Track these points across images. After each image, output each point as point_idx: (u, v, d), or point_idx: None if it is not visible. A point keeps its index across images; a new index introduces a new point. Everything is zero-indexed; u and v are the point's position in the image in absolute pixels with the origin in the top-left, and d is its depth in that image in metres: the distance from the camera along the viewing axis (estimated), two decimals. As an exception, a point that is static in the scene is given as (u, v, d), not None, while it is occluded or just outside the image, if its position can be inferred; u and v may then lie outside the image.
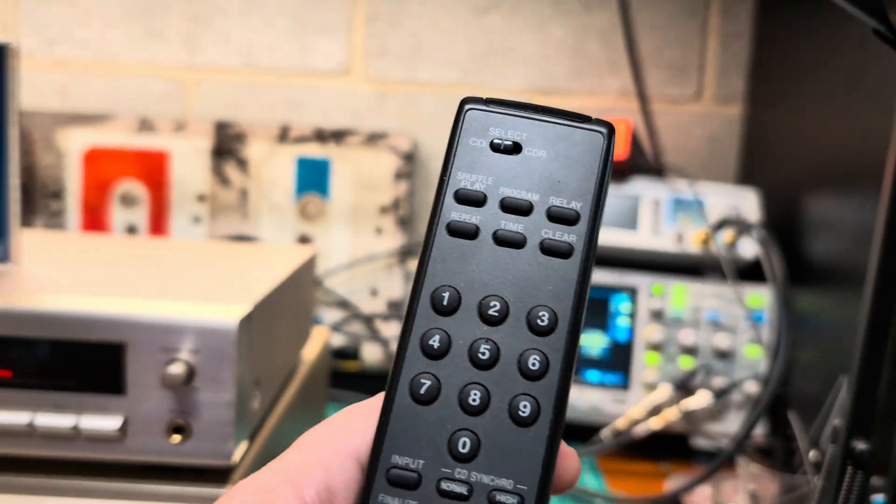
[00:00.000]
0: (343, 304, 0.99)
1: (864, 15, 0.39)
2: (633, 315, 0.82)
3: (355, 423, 0.26)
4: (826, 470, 0.46)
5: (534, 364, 0.25)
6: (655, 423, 0.78)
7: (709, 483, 0.72)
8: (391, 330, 0.98)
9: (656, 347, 0.81)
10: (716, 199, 0.84)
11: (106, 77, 1.00)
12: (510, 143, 0.27)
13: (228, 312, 0.46)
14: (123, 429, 0.46)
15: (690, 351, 0.81)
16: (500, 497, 0.24)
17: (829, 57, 0.78)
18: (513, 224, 0.26)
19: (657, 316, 0.82)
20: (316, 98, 1.00)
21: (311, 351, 0.73)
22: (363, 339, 0.97)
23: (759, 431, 0.79)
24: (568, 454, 0.26)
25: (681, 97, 1.01)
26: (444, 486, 0.24)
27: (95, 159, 0.97)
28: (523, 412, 0.25)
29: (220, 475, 0.47)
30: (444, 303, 0.26)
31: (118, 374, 0.45)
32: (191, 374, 0.45)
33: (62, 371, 0.46)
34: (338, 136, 0.98)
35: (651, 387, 0.81)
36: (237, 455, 0.47)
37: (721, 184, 0.90)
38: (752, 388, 0.79)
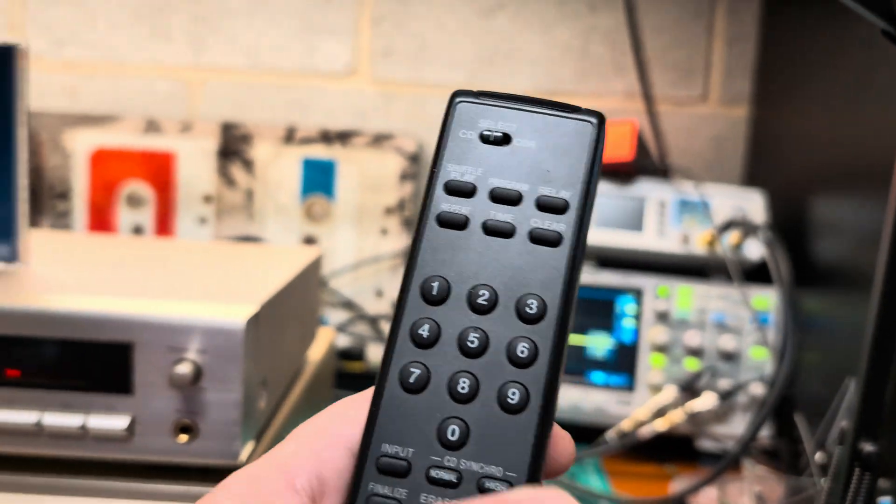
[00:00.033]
0: (348, 304, 0.99)
1: (872, 16, 0.39)
2: (638, 316, 0.82)
3: (348, 413, 0.26)
4: (833, 471, 0.46)
5: (522, 352, 0.25)
6: (661, 425, 0.78)
7: (714, 485, 0.72)
8: (396, 331, 0.98)
9: (662, 349, 0.81)
10: (722, 200, 0.84)
11: (112, 78, 1.00)
12: (499, 134, 0.27)
13: (236, 313, 0.47)
14: (131, 428, 0.46)
15: (696, 352, 0.81)
16: (490, 484, 0.24)
17: (836, 58, 0.77)
18: (502, 214, 0.26)
19: (662, 317, 0.81)
20: (322, 99, 1.01)
21: (316, 351, 0.73)
22: (368, 340, 0.97)
23: (765, 433, 0.79)
24: (562, 437, 0.26)
25: (686, 99, 1.01)
26: (434, 473, 0.24)
27: (102, 160, 0.97)
28: (512, 399, 0.25)
29: (227, 475, 0.47)
30: (434, 292, 0.26)
31: (126, 373, 0.46)
32: (198, 373, 0.46)
33: (70, 371, 0.46)
34: (343, 137, 0.98)
35: (656, 388, 0.81)
36: (244, 455, 0.47)
37: (727, 185, 0.89)
38: (757, 389, 0.79)
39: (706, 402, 0.79)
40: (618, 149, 0.82)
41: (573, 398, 0.81)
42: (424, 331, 0.25)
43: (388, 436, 0.25)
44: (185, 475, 0.47)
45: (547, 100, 0.27)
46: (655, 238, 0.83)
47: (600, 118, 0.27)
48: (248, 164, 0.98)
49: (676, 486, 0.74)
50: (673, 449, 0.80)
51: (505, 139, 0.27)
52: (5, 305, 0.46)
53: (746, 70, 1.01)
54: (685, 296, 0.82)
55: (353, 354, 0.93)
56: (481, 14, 1.00)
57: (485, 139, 0.27)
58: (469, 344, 0.25)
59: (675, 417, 0.78)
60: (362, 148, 0.98)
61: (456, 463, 0.24)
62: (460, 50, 1.00)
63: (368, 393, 0.26)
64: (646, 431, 0.78)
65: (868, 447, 0.43)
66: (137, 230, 0.98)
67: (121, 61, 1.00)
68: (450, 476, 0.24)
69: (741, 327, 0.81)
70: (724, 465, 0.72)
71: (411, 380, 0.25)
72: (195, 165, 0.98)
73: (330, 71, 1.00)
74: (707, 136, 1.02)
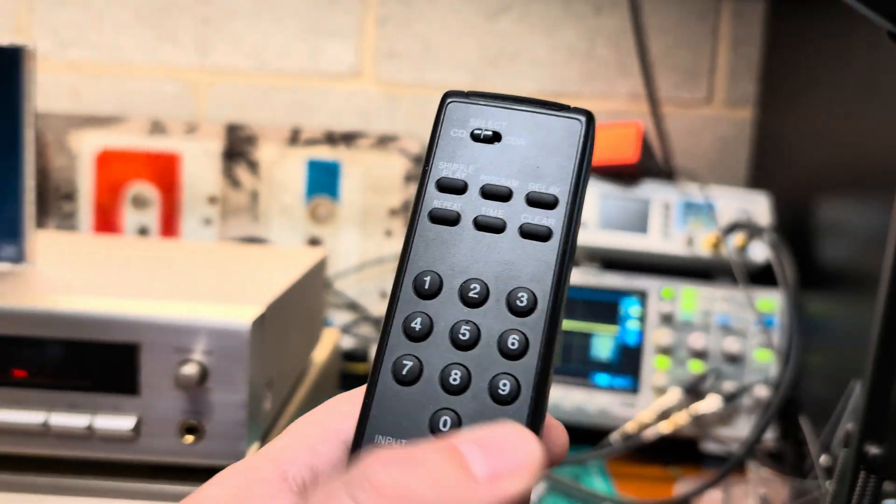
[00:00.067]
0: (353, 306, 0.99)
1: (878, 17, 0.39)
2: (642, 318, 0.82)
3: (343, 408, 0.26)
4: (838, 474, 0.46)
5: (513, 344, 0.25)
6: (665, 427, 0.78)
7: (719, 487, 0.72)
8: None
9: (666, 351, 0.81)
10: (726, 202, 0.83)
11: (118, 79, 1.01)
12: (490, 132, 0.28)
13: (241, 314, 0.47)
14: (137, 429, 0.46)
15: (700, 355, 0.81)
16: None
17: (841, 60, 0.77)
18: (493, 210, 0.27)
19: (667, 320, 0.81)
20: (326, 101, 1.01)
21: (321, 353, 0.73)
22: (372, 342, 0.97)
23: (770, 436, 0.79)
24: (555, 427, 0.26)
25: (691, 100, 1.01)
26: None
27: (107, 161, 0.98)
28: (503, 391, 0.25)
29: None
30: (426, 287, 0.26)
31: (132, 374, 0.46)
32: (204, 374, 0.46)
33: (76, 371, 0.46)
34: (348, 138, 0.98)
35: (661, 391, 0.81)
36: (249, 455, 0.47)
37: (732, 187, 0.89)
38: (762, 392, 0.79)
39: (710, 404, 0.79)
40: (622, 150, 0.82)
41: (577, 400, 0.81)
42: (417, 324, 0.26)
43: (381, 427, 0.25)
44: (191, 476, 0.47)
45: (536, 99, 0.28)
46: (660, 240, 0.83)
47: (589, 116, 0.28)
48: (253, 166, 0.98)
49: (681, 488, 0.74)
50: (677, 451, 0.80)
51: (495, 137, 0.28)
52: (13, 306, 0.46)
53: (751, 72, 1.01)
54: (690, 298, 0.82)
55: (357, 356, 0.93)
56: (486, 16, 1.00)
57: (475, 137, 0.28)
58: (461, 337, 0.26)
59: (680, 420, 0.78)
60: (367, 149, 0.98)
61: None
62: (465, 51, 1.00)
63: (363, 388, 0.27)
64: (650, 434, 0.78)
65: (873, 449, 0.43)
66: (143, 231, 0.99)
67: (126, 63, 1.00)
68: None
69: (746, 330, 0.81)
70: (728, 467, 0.72)
71: (404, 372, 0.25)
72: (200, 167, 0.98)
73: (335, 72, 1.01)
74: (712, 138, 1.02)
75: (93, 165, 0.98)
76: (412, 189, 0.98)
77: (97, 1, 0.99)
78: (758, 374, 0.80)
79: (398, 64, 1.00)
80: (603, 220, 0.83)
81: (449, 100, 0.28)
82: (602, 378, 0.82)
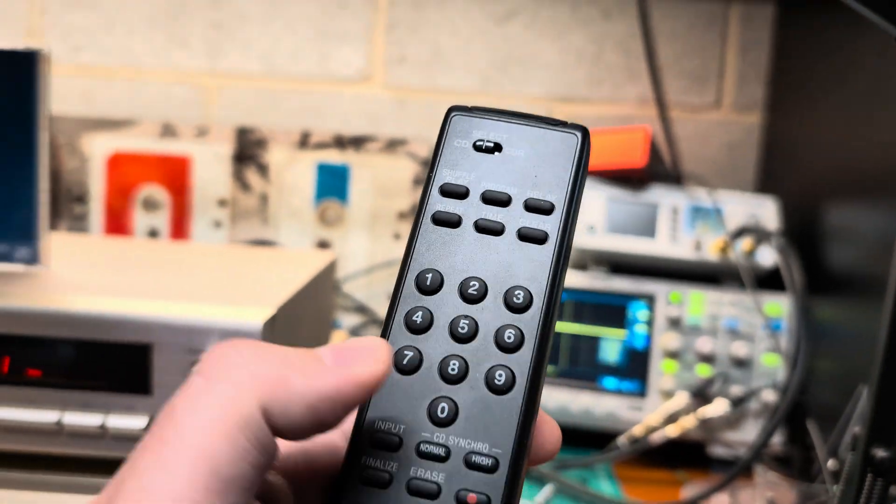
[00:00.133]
0: (361, 308, 1.00)
1: (885, 23, 0.39)
2: (650, 322, 0.82)
3: None
4: (845, 478, 0.46)
5: (509, 338, 0.27)
6: (672, 431, 0.78)
7: (726, 491, 0.72)
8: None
9: (674, 355, 0.81)
10: (734, 207, 0.84)
11: (129, 83, 1.01)
12: (491, 143, 0.29)
13: (253, 315, 0.47)
14: (149, 428, 0.46)
15: (708, 359, 0.81)
16: (477, 459, 0.25)
17: (849, 65, 0.78)
18: (493, 214, 0.28)
19: (675, 324, 0.82)
20: (336, 105, 1.01)
21: (330, 355, 0.73)
22: (381, 344, 0.98)
23: (777, 440, 0.79)
24: (547, 422, 0.27)
25: (700, 105, 1.02)
26: (424, 447, 0.26)
27: (119, 164, 0.99)
28: (499, 381, 0.26)
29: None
30: (428, 283, 0.28)
31: (145, 374, 0.46)
32: (215, 375, 0.46)
33: (90, 371, 0.46)
34: (357, 142, 0.99)
35: (668, 394, 0.81)
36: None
37: (740, 192, 0.90)
38: (769, 396, 0.79)
39: (718, 408, 0.79)
40: (631, 155, 0.82)
41: (585, 403, 0.81)
42: (418, 318, 0.27)
43: (381, 413, 0.26)
44: (202, 475, 0.47)
45: (535, 115, 0.30)
46: (668, 244, 0.83)
47: (584, 131, 0.29)
48: (262, 169, 0.99)
49: (688, 492, 0.74)
50: (684, 455, 0.80)
51: (496, 148, 0.29)
52: (27, 306, 0.47)
53: (760, 77, 1.01)
54: (697, 302, 0.82)
55: (365, 358, 0.94)
56: (495, 20, 1.00)
57: (478, 148, 0.29)
58: (460, 330, 0.27)
59: (687, 423, 0.78)
60: (376, 153, 0.99)
61: (445, 439, 0.26)
62: (474, 56, 1.01)
63: None
64: (657, 437, 0.78)
65: (881, 453, 0.43)
66: (153, 233, 0.99)
67: (138, 66, 1.01)
68: (439, 451, 0.26)
69: (753, 334, 0.81)
70: (735, 471, 0.72)
71: (405, 362, 0.27)
72: (210, 170, 0.99)
73: (344, 77, 1.01)
74: (720, 143, 1.02)
75: (104, 168, 0.98)
76: (420, 193, 0.98)
77: (109, 5, 1.00)
78: (765, 378, 0.80)
79: (407, 68, 1.01)
80: (611, 224, 0.83)
81: (453, 113, 0.30)
82: (610, 381, 0.82)
